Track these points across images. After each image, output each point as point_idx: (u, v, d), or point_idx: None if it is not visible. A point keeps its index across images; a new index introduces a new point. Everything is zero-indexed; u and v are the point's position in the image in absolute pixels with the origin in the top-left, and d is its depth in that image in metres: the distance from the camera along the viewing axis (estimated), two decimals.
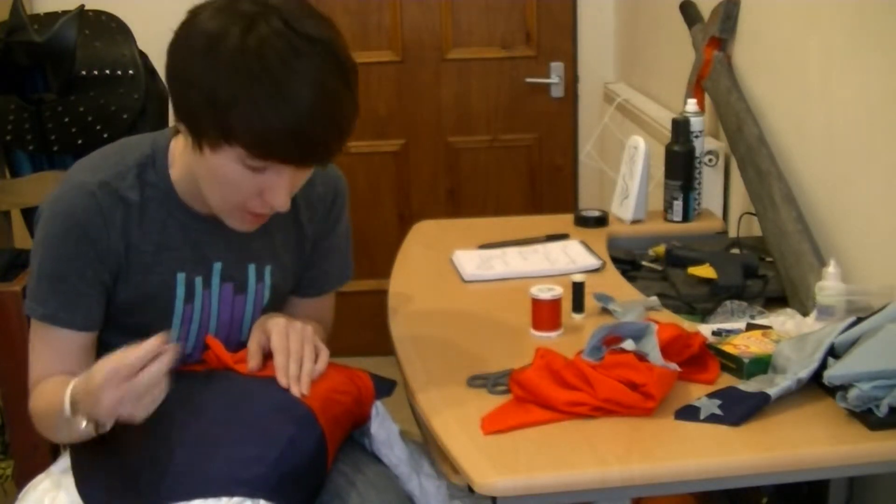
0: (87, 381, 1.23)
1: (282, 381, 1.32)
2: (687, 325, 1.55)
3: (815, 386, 1.35)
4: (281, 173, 1.27)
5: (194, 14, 1.25)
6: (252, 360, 1.37)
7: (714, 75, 2.24)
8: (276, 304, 1.51)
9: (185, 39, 1.23)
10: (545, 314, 1.59)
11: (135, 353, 1.18)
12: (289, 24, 1.20)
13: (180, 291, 1.40)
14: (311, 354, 1.36)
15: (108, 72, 2.69)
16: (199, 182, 1.32)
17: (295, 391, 1.31)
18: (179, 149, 1.37)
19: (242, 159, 1.24)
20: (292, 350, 1.35)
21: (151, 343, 1.18)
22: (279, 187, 1.28)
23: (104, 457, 1.32)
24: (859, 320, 1.38)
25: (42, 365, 1.38)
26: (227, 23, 1.20)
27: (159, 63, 2.76)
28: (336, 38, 1.25)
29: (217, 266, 1.42)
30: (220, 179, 1.28)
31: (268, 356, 1.37)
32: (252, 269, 1.46)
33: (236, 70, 1.19)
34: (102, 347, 1.43)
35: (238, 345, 1.48)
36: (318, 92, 1.20)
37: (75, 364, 1.36)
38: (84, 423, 1.25)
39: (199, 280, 1.41)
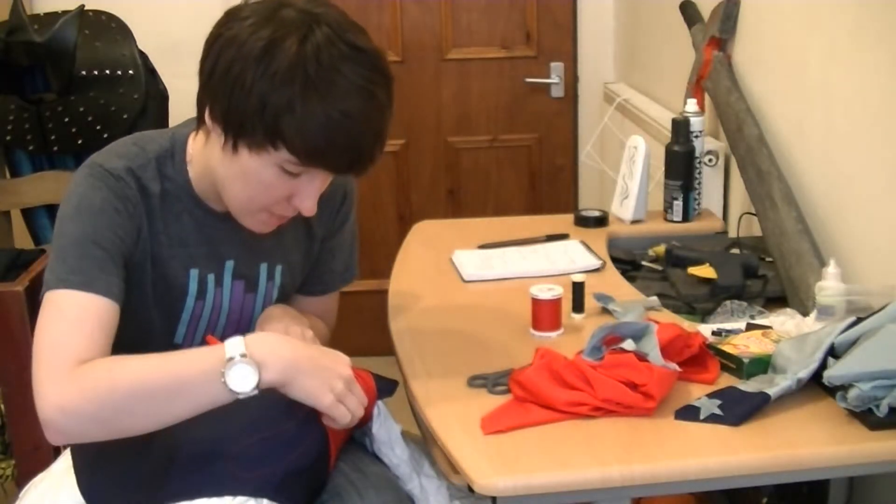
0: (307, 343, 1.31)
1: None
2: (687, 325, 1.55)
3: (815, 386, 1.35)
4: (314, 179, 1.29)
5: (236, 18, 1.26)
6: None
7: (714, 75, 2.24)
8: (283, 303, 1.51)
9: (234, 42, 1.23)
10: (545, 314, 1.59)
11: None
12: (341, 37, 1.23)
13: (192, 288, 1.40)
14: None
15: (108, 72, 2.69)
16: (222, 182, 1.32)
17: None
18: (198, 146, 1.37)
19: (283, 164, 1.25)
20: None
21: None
22: (309, 192, 1.30)
23: (106, 456, 1.31)
24: (859, 320, 1.38)
25: (82, 341, 1.22)
26: (283, 31, 1.21)
27: (159, 63, 2.80)
28: (379, 49, 1.28)
29: (229, 264, 1.43)
30: (253, 182, 1.28)
31: None
32: (263, 268, 1.46)
33: (293, 78, 1.20)
34: None
35: None
36: (369, 103, 1.23)
37: (109, 342, 1.26)
38: (254, 375, 1.19)
39: (211, 277, 1.41)
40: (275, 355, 1.22)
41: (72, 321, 1.24)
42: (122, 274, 1.31)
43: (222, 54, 1.24)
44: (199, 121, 1.32)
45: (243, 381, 1.19)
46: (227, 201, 1.34)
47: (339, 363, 1.28)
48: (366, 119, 1.24)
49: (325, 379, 1.24)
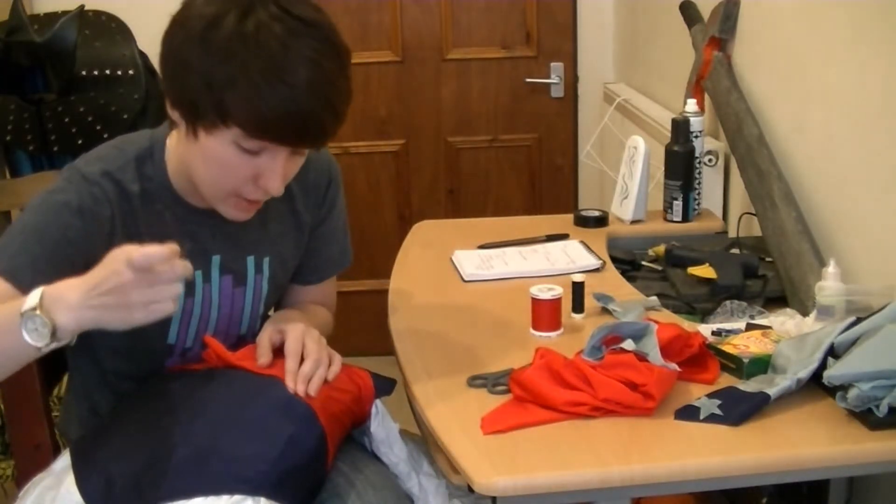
0: (87, 277, 1.13)
1: (290, 384, 1.32)
2: (687, 325, 1.55)
3: (815, 386, 1.35)
4: (276, 157, 1.28)
5: (189, 2, 1.27)
6: (263, 357, 1.36)
7: (714, 75, 2.24)
8: (275, 296, 1.51)
9: (182, 25, 1.25)
10: (545, 314, 1.59)
11: (149, 250, 1.09)
12: (284, 9, 1.23)
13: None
14: (326, 361, 1.36)
15: (108, 72, 2.69)
16: (192, 171, 1.32)
17: (301, 390, 1.31)
18: (173, 143, 1.38)
19: (238, 141, 1.25)
20: (311, 351, 1.35)
21: (165, 249, 1.09)
22: (274, 171, 1.28)
23: (105, 455, 1.31)
24: (859, 320, 1.38)
25: None
26: (225, 8, 1.22)
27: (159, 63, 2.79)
28: (330, 22, 1.28)
29: (216, 259, 1.43)
30: (215, 164, 1.28)
31: (276, 354, 1.37)
32: (251, 260, 1.46)
33: (234, 52, 1.20)
34: (95, 350, 1.43)
35: (237, 339, 1.48)
36: (315, 72, 1.22)
37: None
38: (45, 328, 1.12)
39: (198, 273, 1.41)
40: (61, 304, 1.12)
41: None
42: (55, 275, 1.20)
43: (172, 40, 1.26)
44: (168, 115, 1.33)
45: (37, 335, 1.13)
46: (200, 190, 1.34)
47: (115, 270, 1.09)
48: (312, 89, 1.22)
49: (118, 304, 1.10)
